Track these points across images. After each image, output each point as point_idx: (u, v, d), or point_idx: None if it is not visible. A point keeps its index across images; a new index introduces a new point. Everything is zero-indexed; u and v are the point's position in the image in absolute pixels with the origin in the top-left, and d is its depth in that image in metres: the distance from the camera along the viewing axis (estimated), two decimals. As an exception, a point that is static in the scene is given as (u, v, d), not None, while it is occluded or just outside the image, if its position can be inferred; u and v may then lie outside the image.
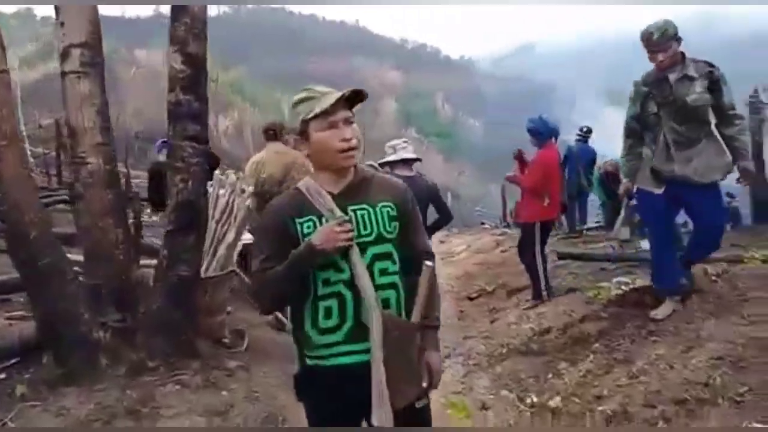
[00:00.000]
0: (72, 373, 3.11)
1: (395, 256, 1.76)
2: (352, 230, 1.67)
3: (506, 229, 13.10)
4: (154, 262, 5.39)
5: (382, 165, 4.89)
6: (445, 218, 4.66)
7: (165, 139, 6.60)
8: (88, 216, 3.46)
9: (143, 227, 5.37)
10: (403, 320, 1.75)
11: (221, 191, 4.29)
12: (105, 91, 3.62)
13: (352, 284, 1.68)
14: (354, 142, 1.72)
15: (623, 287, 4.38)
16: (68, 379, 3.10)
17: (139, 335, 3.35)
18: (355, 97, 1.73)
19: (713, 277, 3.99)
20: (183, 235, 3.42)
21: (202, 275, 3.77)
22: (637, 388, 2.95)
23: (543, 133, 5.19)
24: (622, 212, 5.29)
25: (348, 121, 1.72)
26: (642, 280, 4.41)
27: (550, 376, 3.49)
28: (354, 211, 1.72)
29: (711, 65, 3.57)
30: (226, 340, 4.03)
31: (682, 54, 3.62)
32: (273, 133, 5.25)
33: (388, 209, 1.76)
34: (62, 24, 3.51)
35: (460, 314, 5.99)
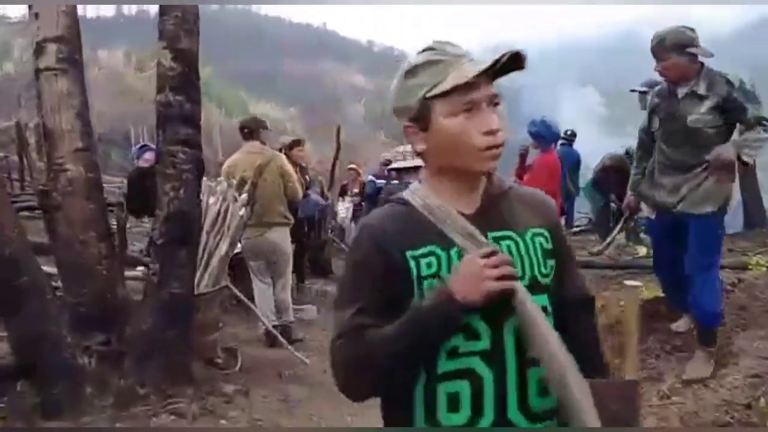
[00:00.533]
0: (53, 404, 2.78)
1: (550, 311, 1.13)
2: (510, 263, 1.05)
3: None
4: (138, 272, 5.09)
5: (389, 171, 4.66)
6: None
7: (144, 144, 6.29)
8: (68, 228, 3.14)
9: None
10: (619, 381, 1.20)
11: (212, 199, 3.99)
12: (85, 91, 3.30)
13: (492, 357, 1.06)
14: (501, 136, 1.09)
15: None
16: (49, 411, 2.77)
17: (127, 360, 3.04)
18: (508, 66, 1.07)
19: (728, 287, 3.86)
20: (175, 249, 3.12)
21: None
22: (671, 410, 2.77)
23: (546, 136, 5.03)
24: (617, 227, 5.16)
25: (493, 101, 1.08)
26: (650, 290, 4.26)
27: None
28: (496, 240, 1.10)
29: (730, 82, 3.04)
30: (218, 361, 3.73)
31: (702, 67, 3.14)
32: (249, 131, 4.88)
33: (542, 240, 1.15)
34: (36, 16, 3.18)
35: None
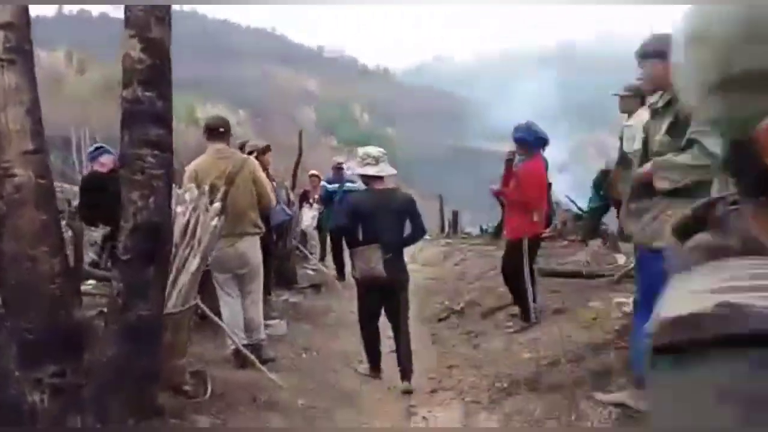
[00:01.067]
0: (-2, 450, 2.37)
1: None
2: None
3: (448, 240, 12.85)
4: (89, 286, 4.58)
5: (363, 177, 4.49)
6: (420, 233, 4.60)
7: (99, 145, 5.79)
8: (14, 242, 2.72)
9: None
10: None
11: (179, 208, 3.62)
12: (36, 86, 2.89)
13: None
14: None
15: (625, 308, 4.09)
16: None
17: (86, 393, 2.65)
18: None
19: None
20: (143, 265, 2.75)
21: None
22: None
23: (532, 142, 4.86)
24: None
25: None
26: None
27: (573, 417, 3.09)
28: None
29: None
30: (187, 388, 3.36)
31: None
32: (218, 132, 4.46)
33: None
34: (-22, -2, 2.76)
35: (433, 337, 5.54)
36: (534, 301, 4.82)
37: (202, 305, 3.68)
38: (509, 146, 5.09)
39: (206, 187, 3.86)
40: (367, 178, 4.43)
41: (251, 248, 4.44)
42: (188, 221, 3.58)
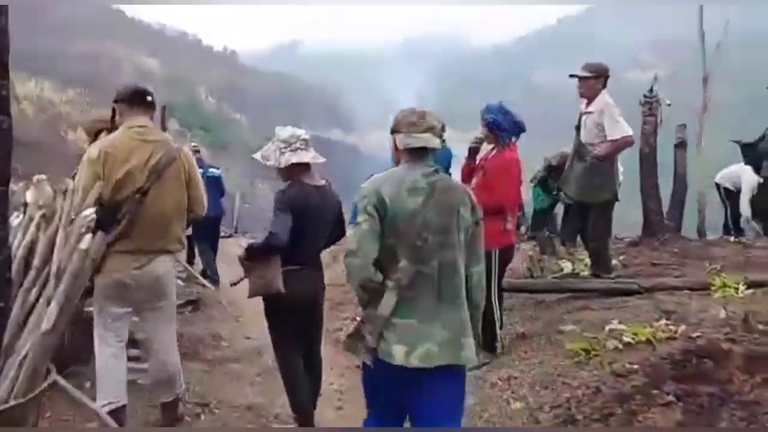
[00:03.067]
0: None
1: None
2: None
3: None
4: None
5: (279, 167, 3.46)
6: (341, 234, 3.86)
7: None
8: None
9: None
10: None
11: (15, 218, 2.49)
12: None
13: None
14: None
15: (625, 337, 3.43)
16: None
17: None
18: None
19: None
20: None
21: None
22: None
23: (507, 129, 4.04)
24: None
25: None
26: (637, 326, 3.52)
27: None
28: None
29: None
30: None
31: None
32: (143, 100, 3.49)
33: None
34: None
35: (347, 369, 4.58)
36: (500, 327, 4.06)
37: (61, 381, 2.41)
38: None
39: (71, 186, 2.68)
40: (292, 171, 3.47)
41: (170, 271, 3.56)
42: (32, 240, 2.41)
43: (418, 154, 2.54)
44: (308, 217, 3.42)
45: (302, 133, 3.53)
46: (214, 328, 5.86)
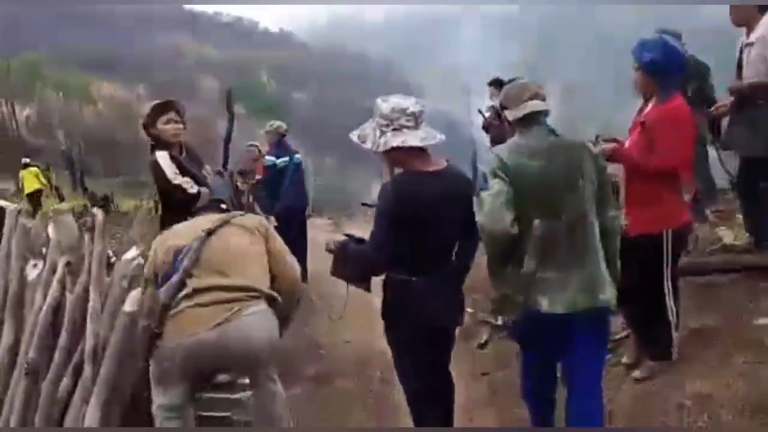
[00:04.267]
0: None
1: None
2: None
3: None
4: None
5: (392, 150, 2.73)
6: (477, 239, 3.03)
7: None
8: None
9: None
10: None
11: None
12: None
13: None
14: None
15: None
16: None
17: None
18: None
19: None
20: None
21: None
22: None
23: (672, 69, 3.10)
24: None
25: None
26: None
27: None
28: None
29: None
30: None
31: None
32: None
33: None
34: None
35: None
36: (676, 328, 3.17)
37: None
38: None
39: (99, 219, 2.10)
40: (399, 156, 2.74)
41: (267, 324, 2.86)
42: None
43: (530, 121, 2.66)
44: (425, 218, 2.66)
45: (409, 104, 2.68)
46: (308, 331, 5.23)
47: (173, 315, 2.66)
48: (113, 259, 2.50)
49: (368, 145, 2.72)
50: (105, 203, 13.86)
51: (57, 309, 2.29)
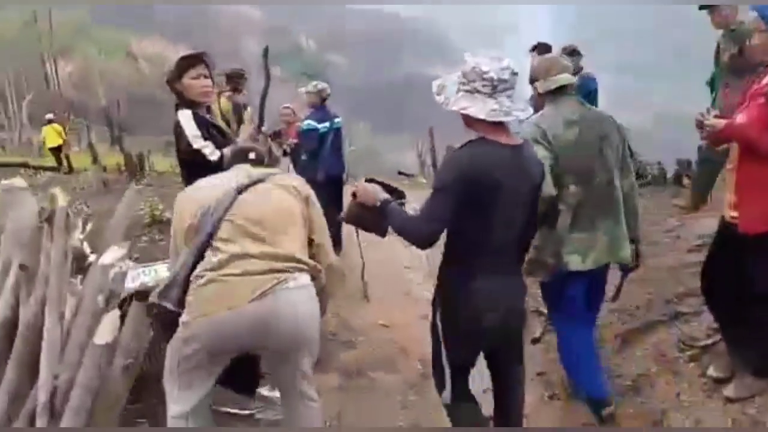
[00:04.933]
0: None
1: None
2: None
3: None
4: None
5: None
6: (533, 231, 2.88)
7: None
8: None
9: None
10: None
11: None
12: None
13: None
14: None
15: None
16: None
17: None
18: None
19: None
20: None
21: None
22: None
23: None
24: None
25: None
26: None
27: None
28: None
29: None
30: None
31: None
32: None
33: None
34: None
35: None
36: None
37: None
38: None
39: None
40: (474, 121, 2.39)
41: (308, 300, 2.46)
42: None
43: (560, 93, 2.92)
44: (493, 195, 2.31)
45: (491, 68, 2.29)
46: (341, 313, 4.80)
47: (197, 287, 2.28)
48: (90, 260, 2.00)
49: (440, 99, 2.41)
50: (139, 162, 13.61)
51: (11, 326, 1.78)
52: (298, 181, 2.74)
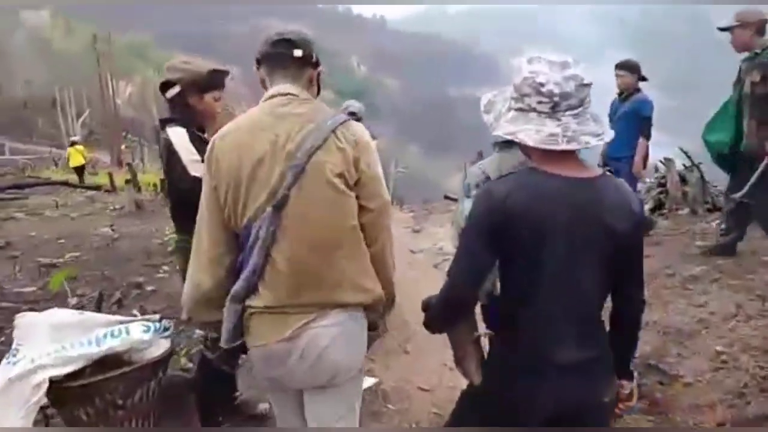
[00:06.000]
0: None
1: None
2: None
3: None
4: None
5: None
6: (641, 303, 2.04)
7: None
8: None
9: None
10: None
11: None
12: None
13: None
14: None
15: None
16: None
17: None
18: None
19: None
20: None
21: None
22: None
23: None
24: None
25: None
26: None
27: None
28: None
29: None
30: None
31: None
32: (279, 56, 2.02)
33: None
34: None
35: None
36: None
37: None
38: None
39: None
40: (534, 152, 1.75)
41: (345, 339, 1.94)
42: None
43: (509, 141, 2.26)
44: (537, 244, 1.68)
45: (551, 79, 1.63)
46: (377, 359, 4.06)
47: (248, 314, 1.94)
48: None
49: (487, 119, 1.84)
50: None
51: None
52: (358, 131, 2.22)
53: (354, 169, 1.84)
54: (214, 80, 2.75)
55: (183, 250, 2.51)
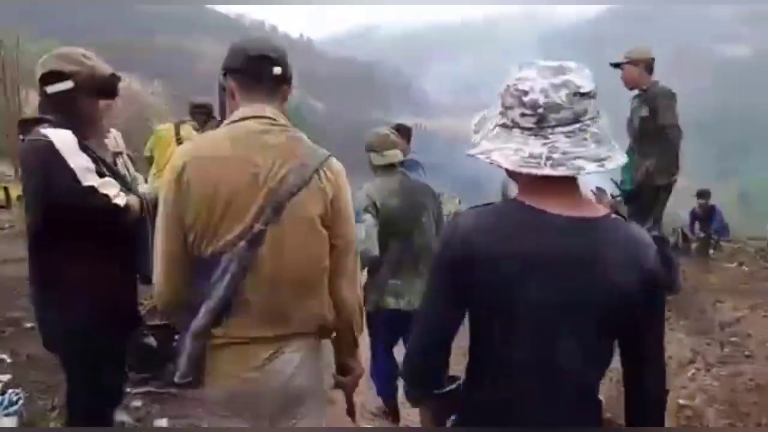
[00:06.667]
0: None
1: None
2: None
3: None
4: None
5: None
6: (661, 376, 1.61)
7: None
8: None
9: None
10: None
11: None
12: None
13: None
14: None
15: None
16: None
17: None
18: None
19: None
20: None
21: None
22: None
23: None
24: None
25: None
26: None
27: None
28: None
29: None
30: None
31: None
32: (256, 71, 1.79)
33: None
34: None
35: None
36: None
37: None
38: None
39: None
40: (521, 179, 1.36)
41: (310, 365, 1.87)
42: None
43: (389, 166, 3.53)
44: (512, 299, 1.31)
45: (539, 85, 1.27)
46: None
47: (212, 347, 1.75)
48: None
49: (474, 140, 1.42)
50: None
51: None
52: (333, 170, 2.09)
53: (330, 208, 1.75)
54: (113, 86, 2.35)
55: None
